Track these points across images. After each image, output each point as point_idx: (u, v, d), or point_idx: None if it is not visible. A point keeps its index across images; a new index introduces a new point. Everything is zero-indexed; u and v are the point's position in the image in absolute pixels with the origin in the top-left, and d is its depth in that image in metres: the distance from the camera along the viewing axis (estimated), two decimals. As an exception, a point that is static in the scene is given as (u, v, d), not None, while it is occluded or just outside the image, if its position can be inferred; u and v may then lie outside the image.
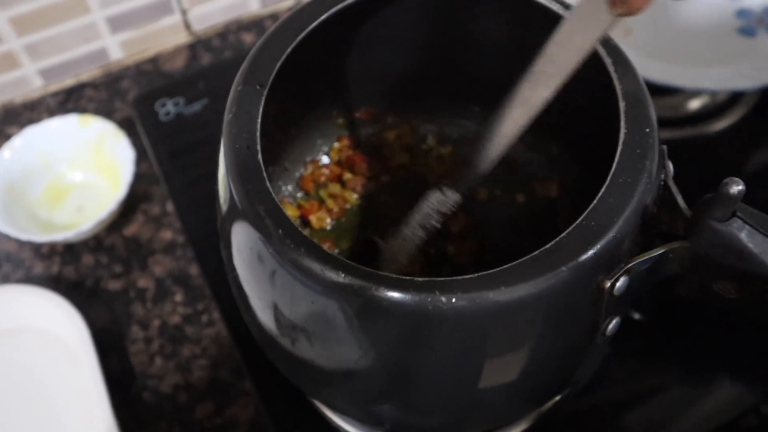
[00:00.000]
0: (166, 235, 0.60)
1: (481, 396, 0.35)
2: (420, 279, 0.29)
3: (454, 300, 0.29)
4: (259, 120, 0.34)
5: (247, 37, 0.73)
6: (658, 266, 0.32)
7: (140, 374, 0.53)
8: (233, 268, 0.37)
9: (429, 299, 0.29)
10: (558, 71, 0.31)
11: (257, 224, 0.31)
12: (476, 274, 0.29)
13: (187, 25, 0.72)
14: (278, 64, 0.36)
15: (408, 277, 0.29)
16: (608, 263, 0.31)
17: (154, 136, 0.63)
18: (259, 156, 0.33)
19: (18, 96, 0.69)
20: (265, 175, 0.32)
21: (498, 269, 0.29)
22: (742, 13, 0.64)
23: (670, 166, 0.34)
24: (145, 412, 0.51)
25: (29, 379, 0.53)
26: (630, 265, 0.31)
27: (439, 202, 0.38)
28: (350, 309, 0.31)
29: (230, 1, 0.72)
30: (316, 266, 0.30)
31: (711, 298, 0.33)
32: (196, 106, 0.64)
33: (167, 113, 0.64)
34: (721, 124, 0.61)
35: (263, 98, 0.35)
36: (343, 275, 0.29)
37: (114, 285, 0.57)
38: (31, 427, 0.51)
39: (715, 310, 0.35)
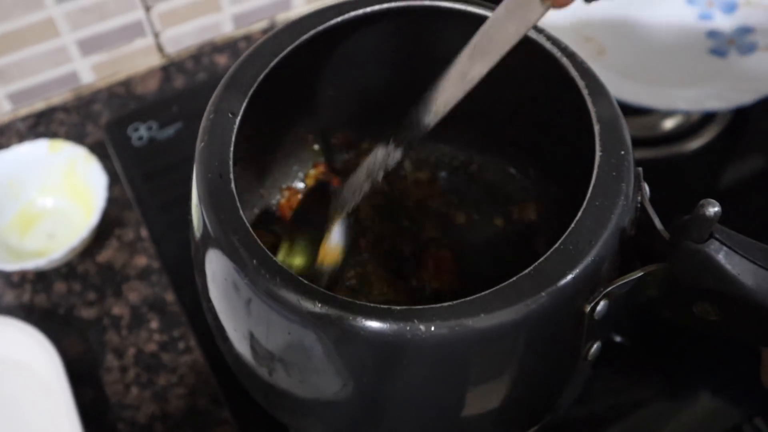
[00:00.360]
0: (141, 260, 0.59)
1: (462, 424, 0.35)
2: (398, 308, 0.29)
3: (432, 328, 0.29)
4: (232, 148, 0.34)
5: (221, 59, 0.73)
6: (638, 289, 0.33)
7: (115, 404, 0.52)
8: (208, 297, 0.37)
9: (408, 328, 0.29)
10: (493, 51, 0.33)
11: (231, 254, 0.31)
12: (455, 302, 0.29)
13: (160, 48, 0.72)
14: (251, 91, 0.36)
15: (386, 306, 0.29)
16: (588, 287, 0.31)
17: (127, 160, 0.62)
18: (232, 185, 0.33)
19: (-13, 121, 0.68)
20: (238, 204, 0.32)
21: (476, 296, 0.29)
22: (712, 34, 0.65)
23: (646, 187, 0.34)
24: (120, 443, 0.50)
25: (0, 409, 0.51)
26: (609, 288, 0.31)
27: (384, 157, 0.39)
28: (328, 339, 0.30)
29: (203, 23, 0.72)
30: (291, 296, 0.30)
31: (691, 320, 0.33)
32: (170, 130, 0.64)
33: (140, 138, 0.63)
34: (694, 144, 0.62)
35: (236, 126, 0.35)
36: (319, 305, 0.29)
37: (87, 313, 0.56)
38: (3, 461, 0.49)
39: (696, 331, 0.35)
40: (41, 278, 0.58)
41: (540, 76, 0.39)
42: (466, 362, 0.31)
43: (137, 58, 0.71)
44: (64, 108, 0.69)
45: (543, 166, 0.47)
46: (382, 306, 0.29)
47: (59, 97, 0.69)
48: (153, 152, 0.63)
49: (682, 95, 0.59)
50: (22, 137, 0.67)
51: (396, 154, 0.38)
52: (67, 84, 0.69)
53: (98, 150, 0.63)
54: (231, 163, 0.33)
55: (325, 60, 0.43)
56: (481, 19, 0.38)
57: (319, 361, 0.31)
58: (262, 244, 0.31)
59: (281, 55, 0.37)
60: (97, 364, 0.54)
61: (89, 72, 0.69)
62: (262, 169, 0.48)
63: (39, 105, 0.69)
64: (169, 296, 0.57)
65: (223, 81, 0.36)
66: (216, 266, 0.33)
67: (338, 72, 0.44)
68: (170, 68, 0.72)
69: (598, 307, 0.31)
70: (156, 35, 0.70)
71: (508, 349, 0.31)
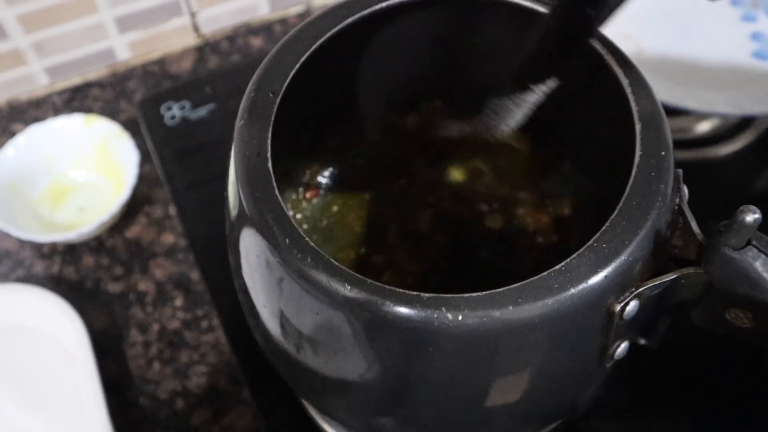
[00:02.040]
0: (168, 238, 0.59)
1: (484, 415, 0.35)
2: (427, 295, 0.29)
3: (460, 317, 0.28)
4: (271, 127, 0.34)
5: (256, 42, 0.73)
6: (670, 291, 0.32)
7: (137, 379, 0.52)
8: (240, 275, 0.37)
9: (435, 315, 0.28)
10: None
11: (265, 232, 0.31)
12: (483, 292, 0.29)
13: (196, 28, 0.72)
14: (292, 72, 0.36)
15: (415, 293, 0.29)
16: (619, 287, 0.31)
17: (159, 138, 0.63)
18: (269, 164, 0.33)
19: (24, 93, 0.69)
20: (274, 183, 0.32)
21: (506, 288, 0.29)
22: (756, 36, 0.64)
23: (685, 190, 0.33)
24: (141, 417, 0.51)
25: (25, 379, 0.52)
26: (641, 289, 0.31)
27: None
28: (356, 321, 0.30)
29: (240, 5, 0.72)
30: (322, 277, 0.30)
31: (723, 326, 0.33)
32: (202, 111, 0.64)
33: (173, 117, 0.64)
34: (730, 148, 0.61)
35: (276, 106, 0.35)
36: (349, 288, 0.29)
37: (114, 287, 0.57)
38: (25, 428, 0.50)
39: (724, 339, 0.34)
40: (70, 251, 0.59)
41: (582, 71, 0.38)
42: (492, 353, 0.31)
43: (173, 37, 0.71)
44: (99, 84, 0.69)
45: (580, 162, 0.46)
46: (411, 292, 0.29)
47: (95, 72, 0.70)
48: (185, 132, 0.63)
49: (721, 98, 0.58)
50: (57, 111, 0.67)
51: None
52: (103, 60, 0.70)
53: (131, 127, 0.63)
54: (269, 142, 0.33)
55: (367, 45, 0.43)
56: (522, 11, 0.38)
57: (346, 342, 0.31)
58: (295, 224, 0.31)
59: (324, 38, 0.37)
60: (121, 338, 0.54)
61: (125, 49, 0.70)
62: (298, 152, 0.48)
63: (75, 80, 0.70)
64: (195, 275, 0.57)
65: (265, 60, 0.36)
66: (250, 244, 0.33)
67: (379, 58, 0.44)
68: (205, 48, 0.72)
69: (628, 308, 0.31)
70: (192, 15, 0.71)
71: (535, 343, 0.31)
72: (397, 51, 0.44)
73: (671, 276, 0.31)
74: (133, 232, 0.60)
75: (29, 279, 0.57)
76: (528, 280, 0.29)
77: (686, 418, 0.48)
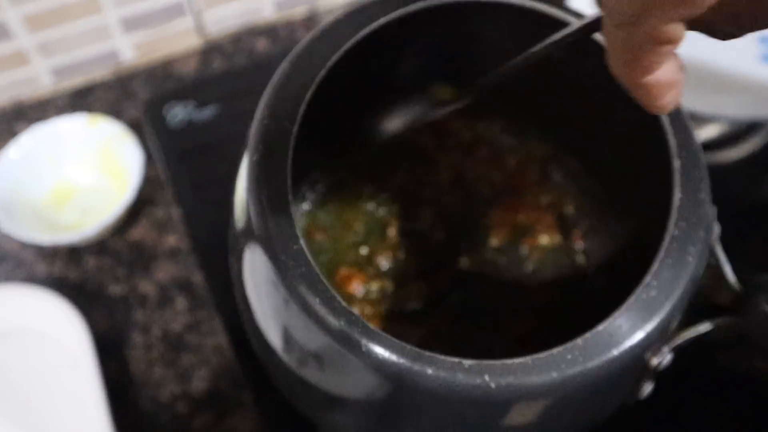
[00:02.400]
0: (171, 240, 0.59)
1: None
2: (469, 362, 0.28)
3: (503, 383, 0.27)
4: (290, 162, 0.32)
5: (260, 44, 0.72)
6: (703, 339, 0.31)
7: (139, 381, 0.52)
8: (242, 285, 0.36)
9: (478, 382, 0.27)
10: None
11: (277, 266, 0.30)
12: (529, 358, 0.28)
13: (200, 29, 0.72)
14: (307, 96, 0.33)
15: (456, 360, 0.28)
16: (658, 341, 0.30)
17: (163, 140, 0.63)
18: (290, 208, 0.31)
19: (27, 94, 0.69)
20: (298, 232, 0.30)
21: (547, 353, 0.28)
22: (765, 41, 0.63)
23: (717, 228, 0.32)
24: (142, 420, 0.51)
25: (26, 380, 0.52)
26: (678, 343, 0.30)
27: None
28: (385, 383, 0.29)
29: (244, 7, 0.72)
30: (345, 335, 0.28)
31: (752, 372, 0.32)
32: (206, 112, 0.64)
33: (176, 118, 0.64)
34: (737, 153, 0.60)
35: (293, 137, 0.32)
36: (380, 350, 0.28)
37: (116, 289, 0.57)
38: (26, 430, 0.50)
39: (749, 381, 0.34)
40: (73, 252, 0.59)
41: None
42: (523, 413, 0.30)
43: (177, 39, 0.71)
44: (103, 84, 0.69)
45: (587, 162, 0.45)
46: (451, 359, 0.28)
47: (99, 73, 0.70)
48: (189, 133, 0.63)
49: (728, 101, 0.58)
50: (61, 112, 0.67)
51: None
52: (108, 61, 0.70)
53: (135, 128, 0.63)
54: (290, 181, 0.31)
55: (378, 56, 0.42)
56: (535, 14, 0.37)
57: (355, 367, 0.30)
58: (317, 269, 0.29)
59: (335, 57, 0.35)
60: (123, 340, 0.54)
61: (130, 50, 0.70)
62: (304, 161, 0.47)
63: (79, 80, 0.69)
64: (197, 278, 0.57)
65: (274, 82, 0.34)
66: (257, 260, 0.32)
67: (392, 66, 0.43)
68: (209, 50, 0.72)
69: (664, 360, 0.30)
70: (197, 16, 0.71)
71: (570, 401, 0.30)
72: (410, 59, 0.43)
73: (707, 326, 0.30)
74: (135, 233, 0.59)
75: (31, 280, 0.57)
76: (568, 344, 0.28)
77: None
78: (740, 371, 0.33)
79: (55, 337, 0.53)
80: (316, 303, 0.29)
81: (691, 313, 0.31)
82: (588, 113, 0.41)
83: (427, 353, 0.28)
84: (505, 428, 0.31)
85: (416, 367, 0.28)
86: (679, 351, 0.31)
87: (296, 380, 0.36)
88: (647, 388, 0.33)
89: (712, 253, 0.31)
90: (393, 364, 0.28)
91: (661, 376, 0.35)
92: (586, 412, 0.32)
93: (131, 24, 0.68)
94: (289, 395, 0.40)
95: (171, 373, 0.52)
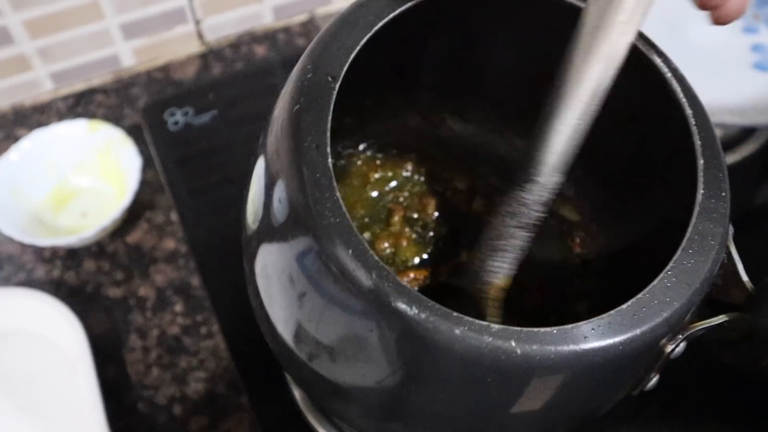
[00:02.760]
0: (169, 244, 0.59)
1: (506, 427, 0.34)
2: (496, 326, 0.28)
3: (528, 350, 0.27)
4: (330, 117, 0.30)
5: (259, 50, 0.73)
6: (713, 333, 0.32)
7: (136, 384, 0.53)
8: (254, 282, 0.35)
9: (504, 347, 0.27)
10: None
11: (322, 240, 0.28)
12: (553, 328, 0.28)
13: (200, 35, 0.72)
14: (351, 57, 0.32)
15: (484, 322, 0.28)
16: (676, 329, 0.30)
17: (162, 144, 0.63)
18: (329, 159, 0.29)
19: (28, 98, 0.69)
20: (335, 183, 0.29)
21: (574, 325, 0.28)
22: (757, 48, 0.64)
23: (731, 227, 0.32)
24: (139, 422, 0.51)
25: (24, 383, 0.52)
26: (693, 331, 0.31)
27: (533, 194, 0.35)
28: (391, 336, 0.29)
29: (244, 13, 0.73)
30: (392, 298, 0.27)
31: (756, 370, 0.33)
32: (205, 117, 0.64)
33: (176, 123, 0.64)
34: (731, 159, 0.61)
35: (335, 93, 0.31)
36: (417, 311, 0.27)
37: (114, 292, 0.57)
38: (24, 431, 0.50)
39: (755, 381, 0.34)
40: (72, 255, 0.59)
41: (643, 91, 0.37)
42: (543, 386, 0.30)
43: (177, 45, 0.72)
44: (103, 90, 0.70)
45: (590, 165, 0.45)
46: (480, 322, 0.28)
47: (99, 78, 0.70)
48: (188, 138, 0.63)
49: (722, 108, 0.58)
50: (61, 116, 0.68)
51: (554, 179, 0.35)
52: (108, 66, 0.70)
53: (134, 133, 0.64)
54: (329, 134, 0.30)
55: (428, 31, 0.41)
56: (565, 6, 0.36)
57: (375, 353, 0.30)
58: (359, 234, 0.28)
59: (385, 20, 0.33)
60: (121, 342, 0.54)
61: (130, 55, 0.70)
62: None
63: (79, 86, 0.70)
64: (195, 281, 0.57)
65: (319, 38, 0.33)
66: (275, 254, 0.31)
67: (436, 46, 0.42)
68: (209, 56, 0.73)
69: (677, 349, 0.31)
70: (197, 22, 0.71)
71: (586, 380, 0.30)
72: (458, 40, 0.42)
73: (720, 319, 0.31)
74: (134, 237, 0.60)
75: (30, 283, 0.57)
76: (595, 318, 0.28)
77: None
78: (744, 369, 0.33)
79: (53, 340, 0.53)
80: (348, 257, 0.28)
81: (704, 308, 0.32)
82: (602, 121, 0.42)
83: (455, 313, 0.27)
84: (525, 400, 0.31)
85: (444, 326, 0.27)
86: (691, 342, 0.31)
87: (307, 367, 0.35)
88: (654, 378, 0.33)
89: (727, 252, 0.32)
90: (421, 321, 0.27)
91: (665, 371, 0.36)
92: (597, 395, 0.32)
93: (131, 30, 0.68)
94: (299, 382, 0.40)
95: (168, 376, 0.53)
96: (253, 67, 0.70)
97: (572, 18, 0.33)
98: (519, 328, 0.27)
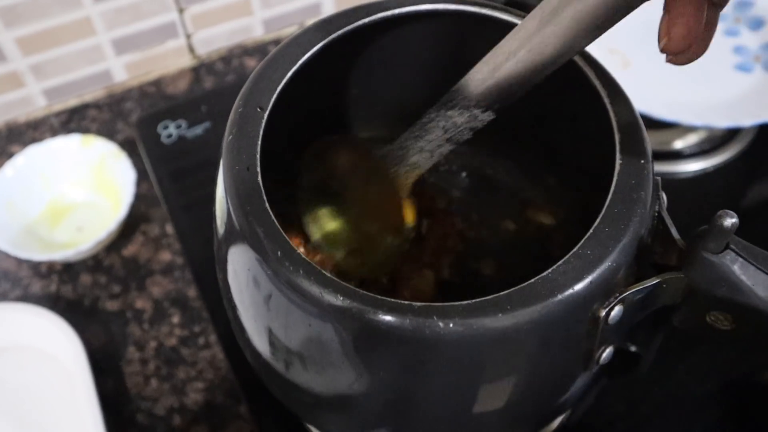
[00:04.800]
0: (165, 256, 0.60)
1: (475, 421, 0.35)
2: (418, 304, 0.29)
3: (451, 325, 0.29)
4: (260, 142, 0.35)
5: (251, 62, 0.74)
6: (653, 296, 0.33)
7: (135, 396, 0.53)
8: (228, 291, 0.38)
9: (427, 324, 0.29)
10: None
11: (256, 245, 0.31)
12: (473, 300, 0.29)
13: (191, 49, 0.73)
14: (279, 87, 0.36)
15: (406, 302, 0.30)
16: (604, 292, 0.31)
17: (156, 157, 0.64)
18: (259, 177, 0.33)
19: (22, 115, 0.69)
20: (264, 196, 0.33)
21: (496, 295, 0.30)
22: (739, 50, 0.65)
23: (664, 197, 0.34)
24: (138, 433, 0.51)
25: (23, 397, 0.52)
26: (625, 294, 0.31)
27: (468, 119, 0.38)
28: (348, 332, 0.31)
29: (234, 26, 0.73)
30: (314, 288, 0.30)
31: (704, 329, 0.33)
32: (198, 129, 0.65)
33: (169, 135, 0.65)
34: (716, 160, 0.62)
35: (264, 121, 0.35)
36: (341, 298, 0.30)
37: (111, 305, 0.57)
38: (24, 446, 0.51)
39: (708, 340, 0.35)
40: (68, 269, 0.59)
41: (562, 84, 0.39)
42: (482, 360, 0.31)
43: (169, 59, 0.72)
44: (96, 105, 0.70)
45: (561, 173, 0.47)
46: (402, 302, 0.29)
47: (92, 94, 0.71)
48: (181, 150, 0.64)
49: (706, 110, 0.59)
50: (55, 132, 0.68)
51: (484, 116, 0.37)
52: (100, 82, 0.71)
53: (128, 147, 0.64)
54: (258, 156, 0.34)
55: (354, 60, 0.44)
56: (503, 26, 0.39)
57: (337, 354, 0.32)
58: (286, 236, 0.31)
59: (311, 52, 0.37)
60: (119, 355, 0.55)
61: (122, 70, 0.71)
62: (288, 167, 0.49)
63: (72, 101, 0.71)
64: (191, 292, 0.58)
65: (252, 76, 0.37)
66: (238, 259, 0.34)
67: (366, 73, 0.45)
68: (200, 69, 0.73)
69: (613, 313, 0.31)
70: (188, 36, 0.72)
71: (523, 349, 0.31)
72: (388, 65, 0.45)
73: (654, 281, 0.32)
74: (130, 250, 0.60)
75: (27, 298, 0.58)
76: (516, 288, 0.30)
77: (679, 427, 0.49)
78: (696, 331, 0.34)
79: (51, 354, 0.53)
80: (277, 258, 0.31)
81: (642, 276, 0.32)
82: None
83: (380, 297, 0.29)
84: (467, 377, 0.32)
85: (369, 311, 0.29)
86: (630, 307, 0.32)
87: (287, 381, 0.37)
88: (606, 350, 0.34)
89: (662, 220, 0.33)
90: (346, 310, 0.29)
91: (628, 354, 0.36)
92: (542, 368, 0.33)
93: (123, 45, 0.69)
94: (282, 398, 0.41)
95: (167, 387, 0.53)
96: (245, 80, 0.70)
97: (476, 30, 0.37)
98: (439, 304, 0.29)
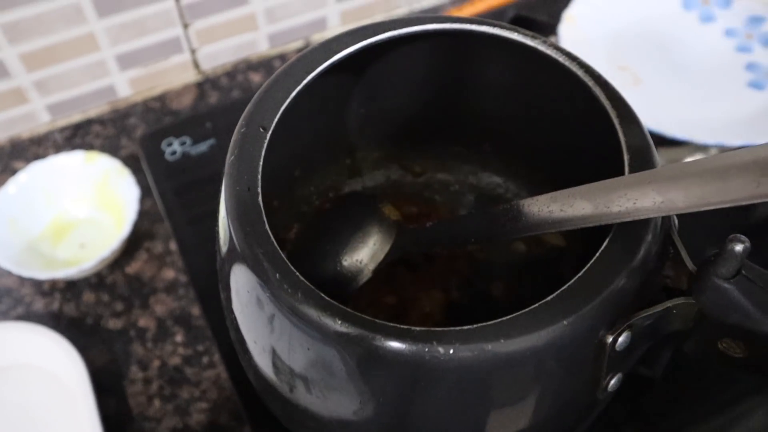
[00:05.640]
0: (169, 274, 0.59)
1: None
2: (418, 329, 0.29)
3: (452, 351, 0.28)
4: (261, 163, 0.34)
5: (256, 77, 0.73)
6: (662, 322, 0.32)
7: (138, 416, 0.52)
8: (231, 312, 0.37)
9: (426, 349, 0.28)
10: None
11: (255, 267, 0.31)
12: (475, 325, 0.29)
13: (196, 64, 0.73)
14: (282, 108, 0.36)
15: (406, 327, 0.29)
16: (610, 317, 0.31)
17: (160, 174, 0.63)
18: (260, 198, 0.33)
19: (25, 131, 0.69)
20: (264, 218, 0.32)
21: (497, 321, 0.29)
22: (751, 67, 0.65)
23: (675, 219, 0.33)
24: (141, 455, 0.51)
25: (24, 417, 0.52)
26: (632, 320, 0.31)
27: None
28: (347, 356, 0.30)
29: (239, 41, 0.73)
30: (312, 312, 0.30)
31: (716, 355, 0.33)
32: (203, 146, 0.65)
33: (173, 152, 0.64)
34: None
35: (266, 141, 0.35)
36: (340, 322, 0.29)
37: (114, 324, 0.57)
38: (25, 468, 0.50)
39: (719, 367, 0.34)
40: (71, 287, 0.59)
41: (572, 103, 0.39)
42: (484, 386, 0.31)
43: (173, 74, 0.72)
44: (100, 121, 0.70)
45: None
46: (402, 326, 0.29)
47: (96, 109, 0.71)
48: (185, 167, 0.63)
49: (718, 128, 0.58)
50: (58, 148, 0.68)
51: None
52: (104, 97, 0.71)
53: (132, 163, 0.64)
54: (260, 177, 0.34)
55: (358, 79, 0.44)
56: (512, 45, 0.38)
57: (339, 378, 0.31)
58: (286, 259, 0.31)
59: (314, 73, 0.37)
60: (122, 374, 0.54)
61: (126, 86, 0.71)
62: (292, 186, 0.49)
63: (76, 117, 0.70)
64: (195, 310, 0.57)
65: (255, 96, 0.37)
66: (240, 280, 0.33)
67: (369, 91, 0.45)
68: (205, 85, 0.73)
69: (620, 339, 0.31)
70: (193, 52, 0.72)
71: (527, 376, 0.31)
72: (390, 85, 0.45)
73: (663, 306, 0.31)
74: (133, 267, 0.60)
75: (29, 316, 0.57)
76: (519, 313, 0.29)
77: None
78: (707, 358, 0.33)
79: (54, 373, 0.53)
80: (276, 280, 0.31)
81: (651, 300, 0.32)
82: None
83: (377, 321, 0.29)
84: (471, 403, 0.32)
85: (368, 335, 0.29)
86: (638, 333, 0.31)
87: (289, 403, 0.36)
88: (614, 377, 0.33)
89: (673, 244, 0.32)
90: (344, 334, 0.29)
91: (641, 378, 0.35)
92: (546, 394, 0.33)
93: (127, 61, 0.69)
94: (284, 420, 0.41)
95: (170, 407, 0.52)
96: (250, 95, 0.70)
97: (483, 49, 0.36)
98: (440, 329, 0.29)
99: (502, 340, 0.28)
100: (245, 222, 0.32)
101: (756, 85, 0.63)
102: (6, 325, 0.54)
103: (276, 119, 0.36)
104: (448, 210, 0.51)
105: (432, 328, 0.29)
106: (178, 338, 0.56)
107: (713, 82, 0.64)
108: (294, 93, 0.37)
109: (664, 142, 0.58)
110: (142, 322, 0.57)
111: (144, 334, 0.56)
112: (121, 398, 0.53)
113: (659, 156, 0.35)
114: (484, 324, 0.29)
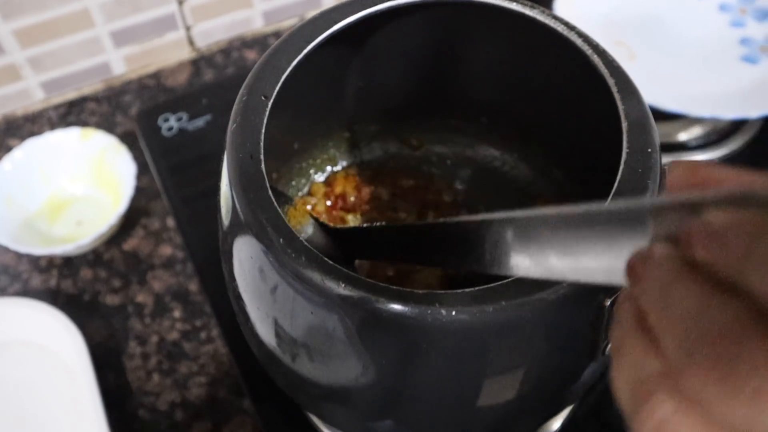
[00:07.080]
0: (166, 250, 0.59)
1: (479, 413, 0.35)
2: (420, 291, 0.29)
3: (454, 312, 0.29)
4: (263, 130, 0.34)
5: (250, 54, 0.73)
6: None
7: (137, 391, 0.52)
8: (234, 282, 0.37)
9: (429, 311, 0.29)
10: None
11: (259, 234, 0.31)
12: (476, 288, 0.29)
13: (191, 41, 0.72)
14: (284, 76, 0.36)
15: (408, 290, 0.29)
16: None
17: (156, 150, 0.63)
18: (263, 165, 0.33)
19: (19, 108, 0.69)
20: (267, 184, 0.32)
21: (498, 284, 0.29)
22: (745, 42, 0.65)
23: None
24: (141, 429, 0.51)
25: (24, 393, 0.52)
26: None
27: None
28: (350, 320, 0.30)
29: (234, 18, 0.73)
30: (316, 276, 0.30)
31: None
32: (199, 122, 0.64)
33: (170, 128, 0.64)
34: (722, 152, 0.61)
35: (268, 109, 0.35)
36: (343, 285, 0.29)
37: (112, 300, 0.57)
38: (25, 442, 0.50)
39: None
40: (68, 264, 0.59)
41: (570, 74, 0.39)
42: (485, 349, 0.31)
43: (168, 51, 0.72)
44: (95, 98, 0.70)
45: (568, 166, 0.47)
46: (405, 289, 0.29)
47: (91, 87, 0.70)
48: (182, 143, 0.63)
49: (712, 102, 0.59)
50: (53, 125, 0.68)
51: None
52: (99, 74, 0.70)
53: (128, 140, 0.64)
54: (262, 144, 0.34)
55: (357, 51, 0.44)
56: (511, 15, 0.38)
57: (341, 344, 0.32)
58: (288, 224, 0.31)
59: (315, 42, 0.37)
60: (120, 350, 0.54)
61: (121, 63, 0.70)
62: (291, 158, 0.49)
63: (71, 94, 0.70)
64: (193, 286, 0.57)
65: (256, 65, 0.37)
66: (243, 249, 0.33)
67: (368, 63, 0.45)
68: (200, 62, 0.73)
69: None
70: (187, 29, 0.71)
71: (527, 339, 0.31)
72: (389, 57, 0.45)
73: None
74: (130, 244, 0.60)
75: (27, 293, 0.57)
76: (520, 276, 0.29)
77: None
78: None
79: (52, 349, 0.53)
80: (279, 245, 0.31)
81: None
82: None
83: (383, 285, 0.29)
84: (468, 367, 0.32)
85: (372, 299, 0.29)
86: None
87: (292, 372, 0.36)
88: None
89: None
90: (348, 297, 0.29)
91: None
92: (550, 356, 0.33)
93: (122, 38, 0.68)
94: (287, 389, 0.41)
95: (169, 382, 0.53)
96: (245, 72, 0.70)
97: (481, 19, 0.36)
98: (443, 292, 0.29)
99: (503, 303, 0.29)
100: (248, 189, 0.32)
101: (749, 59, 0.63)
102: (4, 301, 0.54)
103: (277, 88, 0.36)
104: (445, 184, 0.51)
105: (434, 291, 0.29)
106: (176, 314, 0.56)
107: (707, 57, 0.64)
108: (295, 62, 0.37)
109: (656, 115, 0.58)
110: (140, 297, 0.57)
111: (142, 309, 0.56)
112: (120, 373, 0.53)
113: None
114: (485, 286, 0.29)
